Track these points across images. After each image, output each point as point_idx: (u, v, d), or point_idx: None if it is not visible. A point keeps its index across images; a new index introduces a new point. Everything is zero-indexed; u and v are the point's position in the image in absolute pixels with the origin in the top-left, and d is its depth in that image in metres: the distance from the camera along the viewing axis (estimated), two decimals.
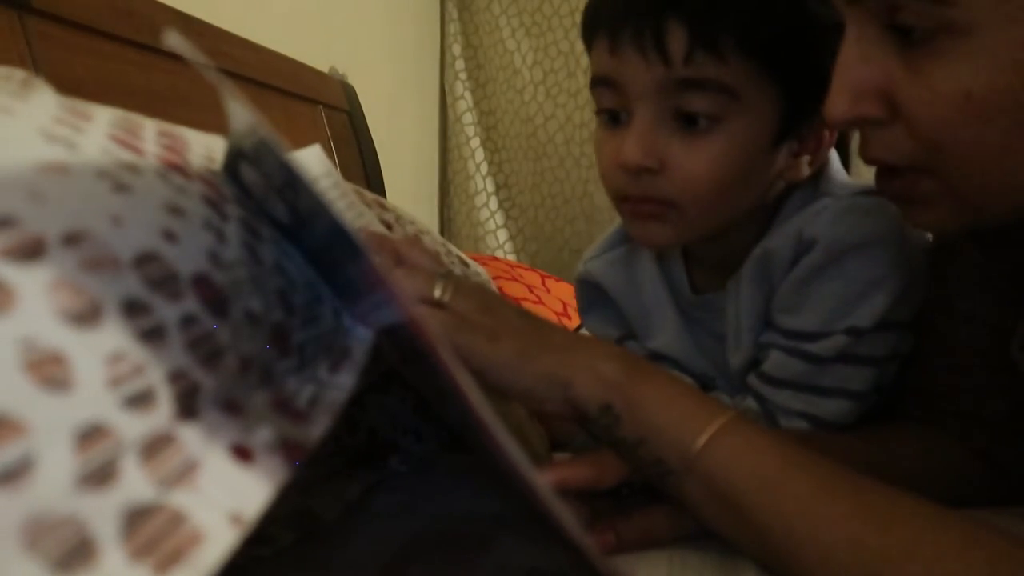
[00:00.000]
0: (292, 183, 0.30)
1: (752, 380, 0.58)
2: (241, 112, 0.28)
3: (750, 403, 0.58)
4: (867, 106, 0.40)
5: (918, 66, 0.38)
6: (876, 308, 0.53)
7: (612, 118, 0.55)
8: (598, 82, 0.54)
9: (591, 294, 0.71)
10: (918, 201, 0.43)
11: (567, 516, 0.31)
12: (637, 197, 0.54)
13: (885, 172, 0.44)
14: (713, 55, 0.49)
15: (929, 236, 0.60)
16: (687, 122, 0.51)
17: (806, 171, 0.56)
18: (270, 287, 0.32)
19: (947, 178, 0.40)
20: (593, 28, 0.54)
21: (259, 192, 0.35)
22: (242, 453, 0.24)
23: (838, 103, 0.41)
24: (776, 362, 0.56)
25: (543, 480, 0.30)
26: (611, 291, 0.69)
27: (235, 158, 0.36)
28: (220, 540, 0.21)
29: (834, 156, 0.59)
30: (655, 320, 0.66)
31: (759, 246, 0.57)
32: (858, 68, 0.40)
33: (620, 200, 0.56)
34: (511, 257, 2.01)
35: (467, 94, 2.03)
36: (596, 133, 0.57)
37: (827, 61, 0.50)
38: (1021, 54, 0.35)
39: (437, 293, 0.42)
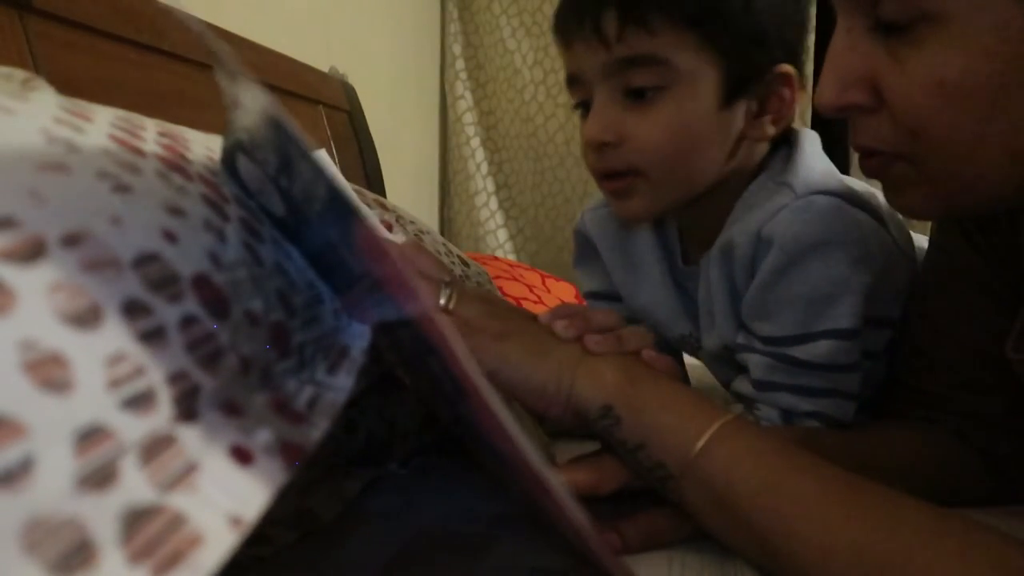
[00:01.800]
0: (288, 161, 0.29)
1: (745, 388, 0.58)
2: (241, 81, 0.28)
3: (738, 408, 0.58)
4: (854, 94, 0.42)
5: (899, 55, 0.39)
6: (851, 307, 0.53)
7: (586, 108, 0.59)
8: (568, 81, 0.60)
9: (583, 246, 0.74)
10: (893, 183, 0.45)
11: (580, 514, 0.30)
12: (605, 171, 0.59)
13: (866, 153, 0.45)
14: (643, 31, 0.53)
15: (925, 243, 0.60)
16: (636, 96, 0.56)
17: (770, 131, 0.58)
18: (270, 288, 0.32)
19: (924, 165, 0.41)
20: (556, 34, 0.60)
21: (256, 186, 0.35)
22: (242, 455, 0.24)
23: (827, 90, 0.43)
24: (761, 367, 0.56)
25: (557, 478, 0.30)
26: (599, 245, 0.71)
27: (232, 152, 0.36)
28: (220, 542, 0.21)
29: (809, 143, 0.60)
30: (641, 278, 0.68)
31: (725, 233, 0.59)
32: (846, 57, 0.42)
33: (598, 179, 0.60)
34: (511, 257, 2.01)
35: (467, 94, 2.03)
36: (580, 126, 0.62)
37: (763, 22, 0.55)
38: (991, 41, 0.36)
39: (442, 301, 0.42)
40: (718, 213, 0.60)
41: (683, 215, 0.64)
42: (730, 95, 0.56)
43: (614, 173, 0.58)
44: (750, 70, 0.56)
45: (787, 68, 0.56)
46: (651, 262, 0.68)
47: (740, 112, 0.57)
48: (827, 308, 0.53)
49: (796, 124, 0.61)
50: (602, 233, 0.71)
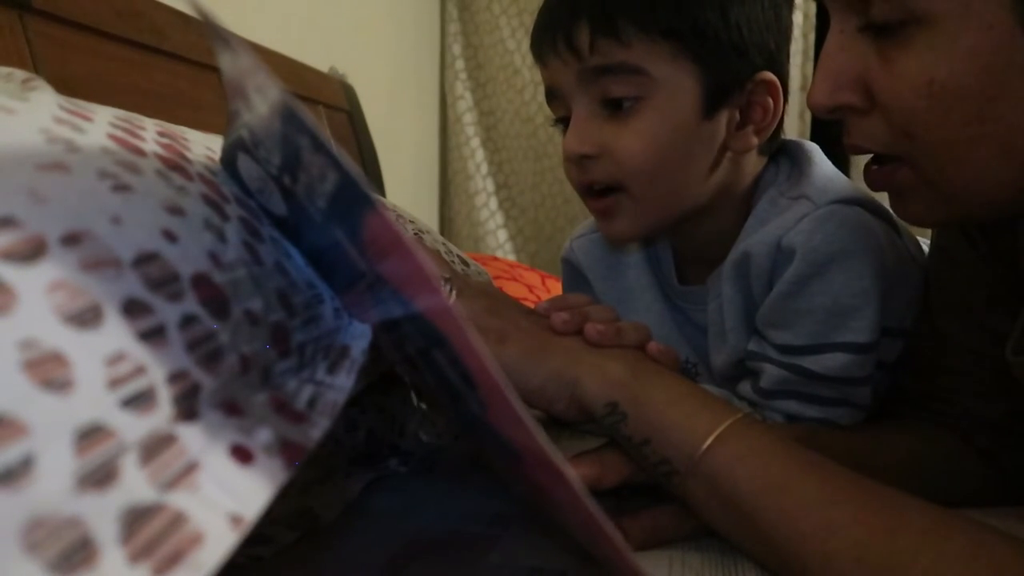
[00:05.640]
0: (294, 155, 0.29)
1: (748, 393, 0.58)
2: (252, 72, 0.28)
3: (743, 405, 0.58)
4: (846, 94, 0.42)
5: (888, 55, 0.40)
6: (869, 321, 0.52)
7: (565, 124, 0.59)
8: (547, 96, 0.60)
9: (571, 276, 0.73)
10: (897, 191, 0.44)
11: (594, 505, 0.30)
12: (587, 183, 0.58)
13: (868, 162, 0.45)
14: (615, 41, 0.53)
15: (926, 244, 0.60)
16: (615, 107, 0.55)
17: (754, 141, 0.58)
18: (270, 287, 0.32)
19: (921, 167, 0.42)
20: (532, 50, 0.60)
21: (256, 185, 0.35)
22: (242, 454, 0.24)
23: (819, 91, 0.43)
24: (772, 377, 0.55)
25: (573, 472, 0.30)
26: (588, 273, 0.70)
27: (233, 151, 0.35)
28: (220, 541, 0.21)
29: (818, 153, 0.60)
30: (635, 304, 0.67)
31: (737, 248, 0.58)
32: (838, 58, 0.42)
33: (583, 196, 0.60)
34: (511, 257, 2.01)
35: (467, 94, 2.03)
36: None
37: (741, 30, 0.54)
38: (979, 42, 0.36)
39: None
40: (718, 232, 0.60)
41: (678, 236, 0.63)
42: (711, 105, 0.55)
43: (597, 187, 0.57)
44: (730, 79, 0.55)
45: (769, 76, 0.55)
46: (643, 286, 0.67)
47: (722, 123, 0.56)
48: (846, 320, 0.52)
49: (795, 126, 0.61)
50: (591, 260, 0.69)
